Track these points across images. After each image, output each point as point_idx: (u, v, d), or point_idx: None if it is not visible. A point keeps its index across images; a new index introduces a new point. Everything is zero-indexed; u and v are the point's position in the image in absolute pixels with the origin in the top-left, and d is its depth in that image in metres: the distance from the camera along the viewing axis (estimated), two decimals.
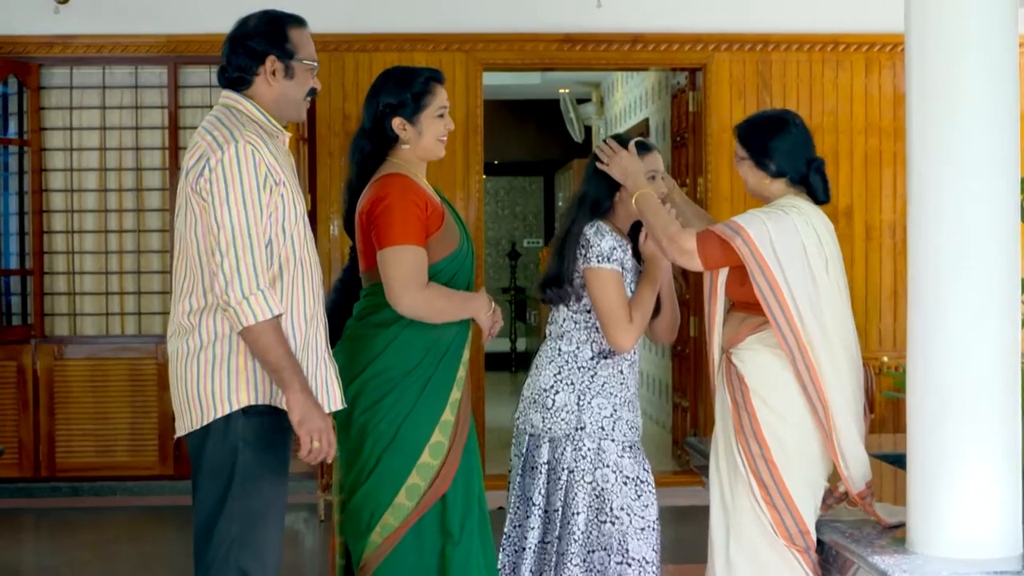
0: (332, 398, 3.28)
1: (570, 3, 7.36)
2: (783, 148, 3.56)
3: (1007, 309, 3.11)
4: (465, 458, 3.59)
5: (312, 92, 3.32)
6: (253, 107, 3.23)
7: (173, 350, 3.18)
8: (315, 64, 3.30)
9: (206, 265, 3.10)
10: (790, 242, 3.43)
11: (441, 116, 3.63)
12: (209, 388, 3.10)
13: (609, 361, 3.70)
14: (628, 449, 3.70)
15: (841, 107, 7.48)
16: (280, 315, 3.07)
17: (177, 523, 6.65)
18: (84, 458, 7.35)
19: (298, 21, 3.29)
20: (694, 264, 3.50)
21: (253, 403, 3.12)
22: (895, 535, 3.32)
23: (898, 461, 3.85)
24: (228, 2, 7.26)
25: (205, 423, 3.11)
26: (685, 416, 8.04)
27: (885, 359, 7.19)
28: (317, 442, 3.10)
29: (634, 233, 3.80)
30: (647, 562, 3.64)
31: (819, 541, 3.44)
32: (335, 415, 3.55)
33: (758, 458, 3.42)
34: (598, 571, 3.66)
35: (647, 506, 3.67)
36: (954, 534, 3.09)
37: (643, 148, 3.77)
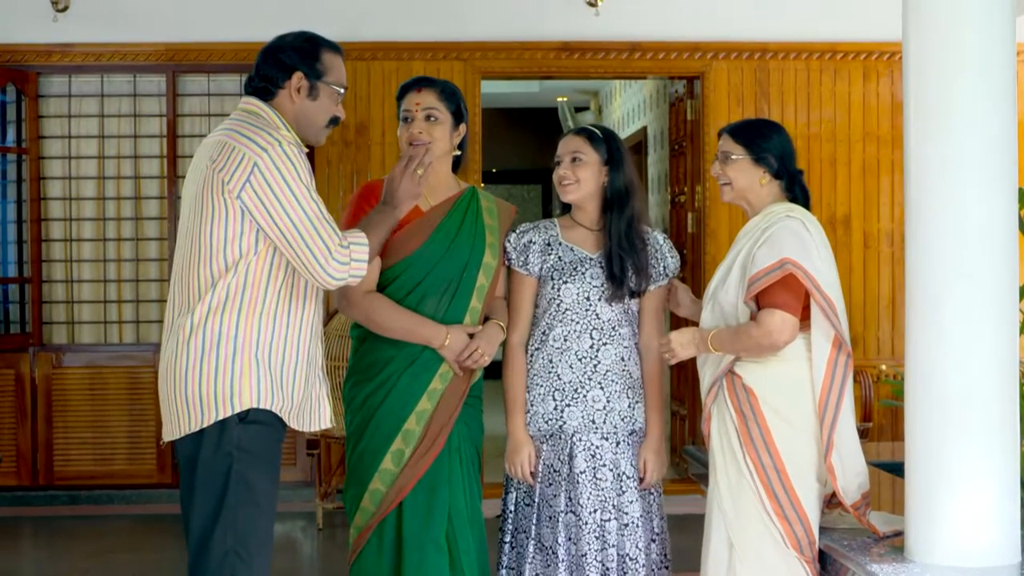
0: (322, 416, 3.33)
1: (568, 11, 7.37)
2: (781, 146, 3.57)
3: (1005, 317, 3.11)
4: (433, 471, 3.61)
5: (335, 121, 3.36)
6: (275, 116, 3.25)
7: (171, 353, 3.15)
8: (342, 91, 3.33)
9: (230, 266, 3.10)
10: (811, 248, 3.43)
11: (404, 120, 3.72)
12: (211, 390, 3.09)
13: (539, 351, 3.76)
14: (548, 438, 3.73)
15: (839, 115, 7.49)
16: (366, 244, 3.21)
17: (175, 531, 6.64)
18: (82, 466, 7.35)
19: (334, 47, 3.36)
20: (789, 327, 3.40)
21: (255, 406, 3.12)
22: (893, 543, 3.31)
23: (896, 469, 3.85)
24: (226, 11, 7.32)
25: (204, 425, 3.10)
26: (683, 424, 8.04)
27: (883, 367, 7.19)
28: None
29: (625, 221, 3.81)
30: (552, 552, 3.67)
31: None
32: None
33: (769, 469, 3.40)
34: (518, 553, 3.74)
35: (556, 496, 3.69)
36: (952, 542, 3.09)
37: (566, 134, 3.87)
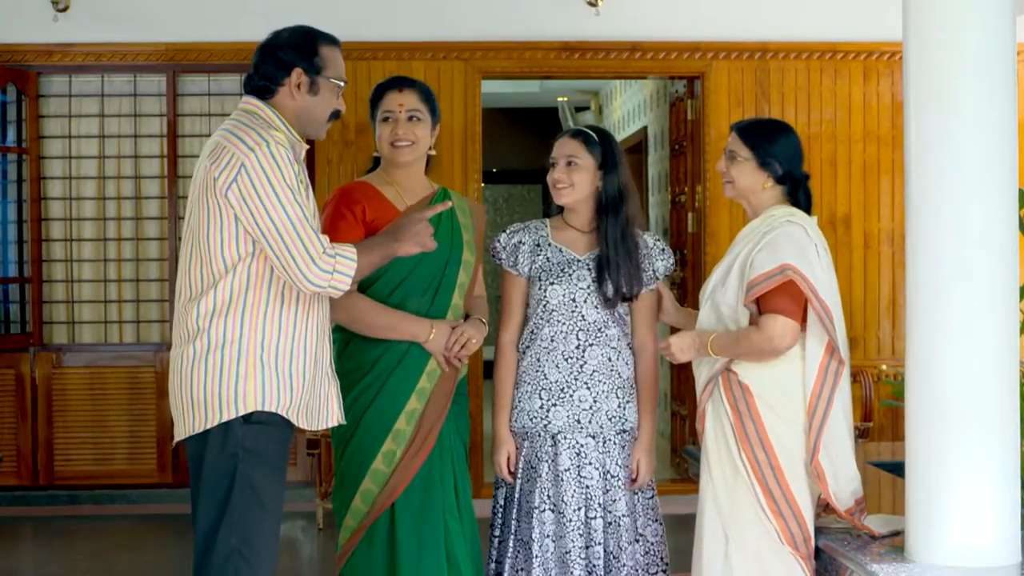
0: (331, 414, 3.31)
1: (569, 11, 7.37)
2: (788, 151, 3.54)
3: (1006, 317, 3.11)
4: (425, 471, 3.60)
5: (336, 115, 3.34)
6: (274, 115, 3.24)
7: (178, 354, 3.16)
8: (342, 84, 3.32)
9: (229, 267, 3.11)
10: (811, 254, 3.43)
11: (385, 120, 3.71)
12: (216, 391, 3.09)
13: (528, 349, 3.77)
14: (527, 436, 3.75)
15: (839, 115, 7.49)
16: (354, 259, 3.17)
17: (176, 531, 6.64)
18: (82, 466, 7.34)
19: (331, 40, 3.33)
20: (791, 333, 3.39)
21: (260, 409, 3.12)
22: (893, 543, 3.31)
23: (896, 469, 3.85)
24: (227, 11, 7.32)
25: (209, 426, 3.10)
26: (684, 424, 8.04)
27: (883, 367, 7.18)
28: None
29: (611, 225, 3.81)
30: (527, 547, 3.69)
31: (816, 548, 3.43)
32: None
33: (764, 466, 3.40)
34: (498, 549, 3.78)
35: (531, 492, 3.71)
36: (952, 542, 3.09)
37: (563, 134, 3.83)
